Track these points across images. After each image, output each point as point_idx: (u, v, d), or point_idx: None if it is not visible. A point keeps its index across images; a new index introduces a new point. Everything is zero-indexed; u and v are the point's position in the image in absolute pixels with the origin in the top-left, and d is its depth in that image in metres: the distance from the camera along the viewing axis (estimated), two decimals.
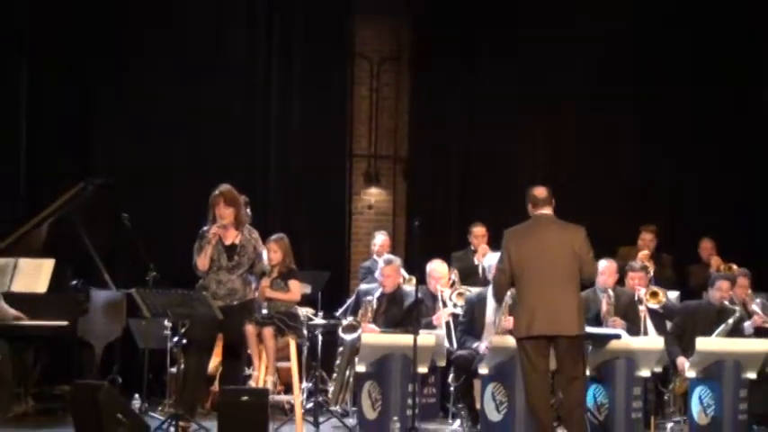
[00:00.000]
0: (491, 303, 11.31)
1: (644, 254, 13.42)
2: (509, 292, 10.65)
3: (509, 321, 10.78)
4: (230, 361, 10.98)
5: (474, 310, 11.46)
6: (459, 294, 12.04)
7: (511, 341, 10.67)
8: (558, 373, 9.91)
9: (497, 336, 10.91)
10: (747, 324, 11.61)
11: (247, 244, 10.67)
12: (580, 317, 9.72)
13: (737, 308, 11.57)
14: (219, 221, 10.56)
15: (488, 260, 11.89)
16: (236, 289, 10.63)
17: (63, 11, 14.16)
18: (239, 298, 10.66)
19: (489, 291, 11.25)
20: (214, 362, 11.46)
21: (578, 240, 9.74)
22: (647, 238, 13.73)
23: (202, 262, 10.54)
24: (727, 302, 11.54)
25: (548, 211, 9.89)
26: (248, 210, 11.70)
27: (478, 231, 13.53)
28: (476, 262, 13.21)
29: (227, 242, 10.65)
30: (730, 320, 11.36)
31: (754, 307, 11.89)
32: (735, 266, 13.16)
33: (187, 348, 10.67)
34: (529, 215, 9.99)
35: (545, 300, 9.58)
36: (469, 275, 12.92)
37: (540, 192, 9.93)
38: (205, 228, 10.64)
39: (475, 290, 11.97)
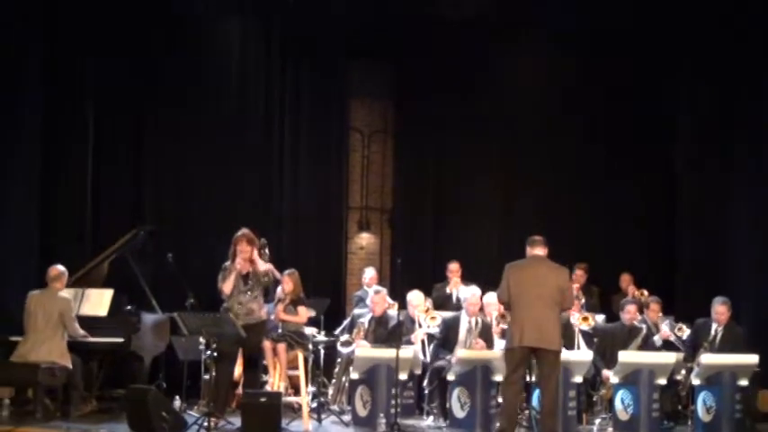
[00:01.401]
0: (464, 326, 11.46)
1: (575, 286, 13.37)
2: (480, 318, 11.20)
3: (478, 343, 10.88)
4: (250, 370, 10.94)
5: (449, 330, 11.54)
6: (432, 318, 12.00)
7: (474, 355, 10.73)
8: (538, 378, 10.06)
9: (463, 350, 10.95)
10: (656, 338, 11.62)
11: (259, 273, 10.77)
12: (560, 336, 9.95)
13: (644, 326, 11.60)
14: (241, 255, 10.57)
15: (463, 292, 11.93)
16: (253, 309, 10.75)
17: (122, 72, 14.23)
18: (256, 318, 10.75)
19: (462, 315, 11.59)
20: (237, 371, 11.42)
21: (563, 278, 10.02)
22: (579, 274, 13.70)
23: (228, 287, 10.61)
24: (635, 322, 11.58)
25: (541, 252, 10.09)
26: (266, 250, 11.69)
27: (453, 267, 13.44)
28: (448, 291, 13.15)
29: (244, 272, 10.75)
30: (638, 338, 11.41)
31: (663, 326, 11.89)
32: (646, 293, 13.16)
33: (217, 359, 10.69)
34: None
35: (534, 319, 9.74)
36: (445, 302, 12.87)
37: (537, 237, 10.15)
38: (227, 263, 10.67)
39: (450, 314, 11.99)
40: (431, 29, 15.05)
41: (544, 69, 15.28)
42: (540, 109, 15.22)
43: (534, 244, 10.10)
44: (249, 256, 10.75)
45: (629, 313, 11.59)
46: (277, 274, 11.63)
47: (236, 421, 10.28)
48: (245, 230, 10.86)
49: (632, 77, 15.03)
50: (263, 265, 10.90)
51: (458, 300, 12.73)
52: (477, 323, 11.45)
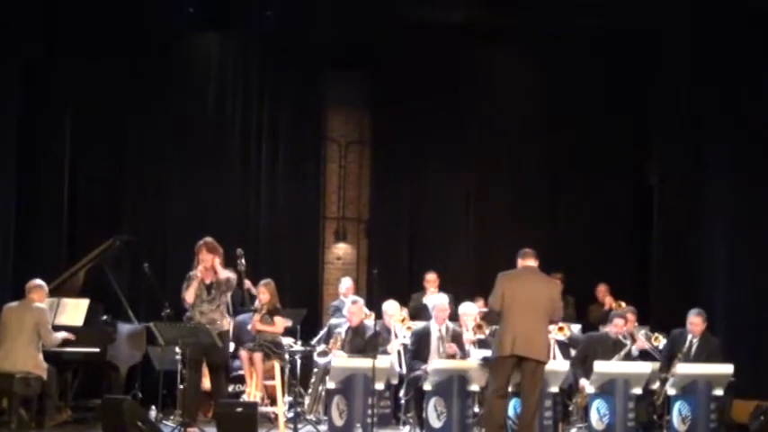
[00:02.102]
0: (434, 334, 11.49)
1: None
2: (450, 325, 11.23)
3: (452, 348, 10.92)
4: (215, 377, 10.85)
5: (420, 341, 11.56)
6: (408, 328, 12.02)
7: (449, 365, 10.76)
8: (522, 388, 10.03)
9: (439, 360, 10.97)
10: (633, 348, 11.64)
11: (221, 281, 10.65)
12: (549, 347, 10.14)
13: (628, 342, 11.61)
14: (203, 264, 10.55)
15: (431, 300, 11.95)
16: (215, 319, 10.65)
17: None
18: (217, 328, 10.65)
19: (432, 323, 11.61)
20: (206, 381, 11.35)
21: (554, 290, 10.17)
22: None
23: (190, 296, 10.54)
24: (621, 336, 11.60)
25: (533, 263, 10.18)
26: (242, 260, 11.69)
27: (430, 277, 13.45)
28: (425, 302, 13.17)
29: (207, 281, 10.66)
30: (622, 352, 11.41)
31: (639, 335, 11.94)
32: (623, 304, 13.19)
33: (184, 367, 10.61)
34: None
35: (525, 329, 9.80)
36: (422, 312, 12.88)
37: (528, 249, 10.25)
38: (191, 273, 10.66)
39: (420, 324, 11.99)
40: (407, 38, 15.07)
41: (520, 79, 15.38)
42: (515, 119, 15.28)
43: (526, 256, 10.20)
44: (210, 264, 10.68)
45: (616, 327, 11.58)
46: (253, 289, 11.66)
47: (212, 431, 10.24)
48: (206, 239, 10.76)
49: (605, 85, 15.14)
50: (224, 273, 10.82)
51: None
52: (447, 329, 11.49)
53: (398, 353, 11.75)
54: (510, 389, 10.16)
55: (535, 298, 9.93)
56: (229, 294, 11.09)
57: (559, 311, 10.22)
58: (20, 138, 13.47)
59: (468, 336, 11.62)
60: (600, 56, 15.01)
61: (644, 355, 11.70)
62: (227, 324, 11.02)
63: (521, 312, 9.85)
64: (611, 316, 11.85)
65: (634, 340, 11.83)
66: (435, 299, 11.96)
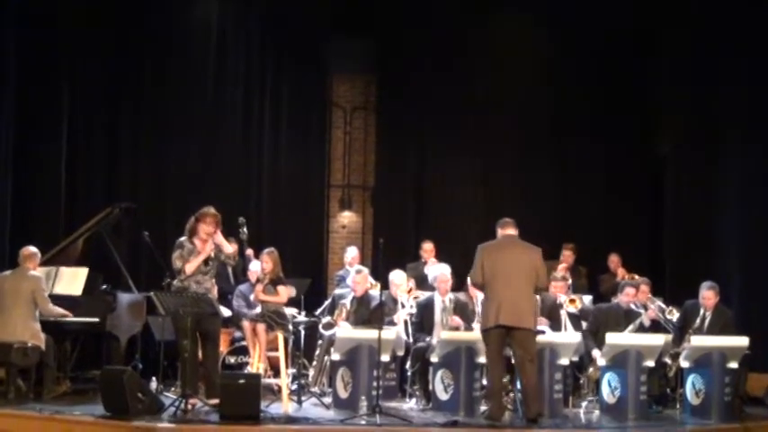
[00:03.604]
0: (438, 306, 11.43)
1: (563, 266, 13.40)
2: (452, 296, 11.30)
3: (454, 320, 10.82)
4: (211, 347, 10.69)
5: (424, 312, 11.50)
6: (416, 297, 11.97)
7: (457, 336, 10.67)
8: (515, 358, 10.08)
9: (446, 332, 10.89)
10: (644, 318, 11.52)
11: (218, 253, 10.53)
12: (535, 314, 10.18)
13: (642, 311, 11.51)
14: (206, 235, 10.40)
15: (432, 271, 11.86)
16: (209, 288, 10.54)
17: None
18: (213, 296, 10.59)
19: (435, 295, 11.54)
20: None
21: (536, 257, 10.18)
22: (566, 254, 13.72)
23: (191, 268, 10.37)
24: (633, 306, 11.51)
25: (512, 231, 10.27)
26: (245, 229, 11.58)
27: (427, 246, 13.46)
28: (425, 272, 13.08)
29: (211, 254, 10.53)
30: (637, 322, 11.33)
31: (653, 307, 11.83)
32: (637, 276, 13.09)
33: (181, 338, 10.47)
34: (491, 236, 10.44)
35: (509, 299, 9.88)
36: (420, 283, 12.80)
37: (507, 219, 10.35)
38: (182, 239, 10.48)
39: (425, 295, 11.91)
40: (413, 2, 14.95)
41: (526, 44, 15.21)
42: (525, 85, 15.13)
43: (505, 225, 10.29)
44: (212, 236, 10.51)
45: (627, 296, 11.50)
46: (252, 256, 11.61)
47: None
48: (211, 210, 10.52)
49: (613, 53, 14.97)
50: (228, 247, 10.68)
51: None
52: (450, 301, 11.42)
53: (405, 323, 11.66)
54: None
55: (517, 267, 10.00)
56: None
57: (543, 278, 10.25)
58: (17, 108, 13.47)
59: (474, 305, 11.52)
60: (605, 20, 14.80)
61: (655, 327, 11.59)
62: (216, 293, 10.92)
63: (503, 282, 9.93)
64: (622, 285, 11.78)
65: (646, 309, 11.72)
66: (436, 269, 11.87)
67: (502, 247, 10.18)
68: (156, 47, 14.55)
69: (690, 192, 14.33)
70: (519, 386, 10.25)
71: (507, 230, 10.24)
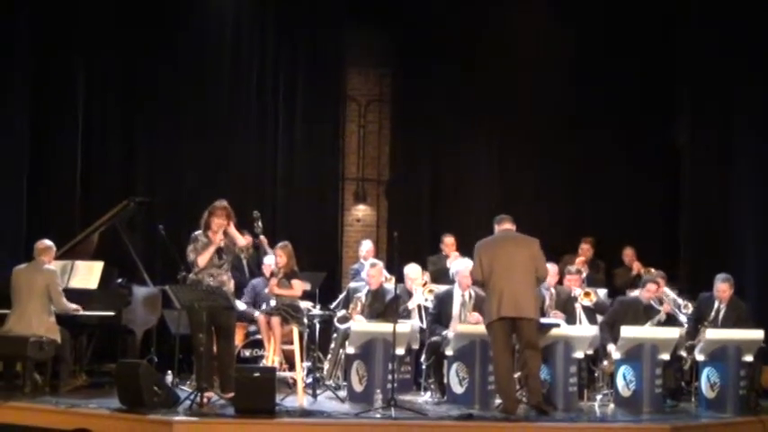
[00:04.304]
0: (457, 300, 11.42)
1: (580, 260, 13.41)
2: (473, 292, 11.25)
3: (474, 316, 10.87)
4: (225, 342, 10.77)
5: (442, 305, 11.49)
6: (430, 291, 11.99)
7: (472, 330, 10.72)
8: (519, 348, 10.18)
9: (462, 325, 10.94)
10: (661, 312, 11.54)
11: (230, 246, 10.59)
12: (536, 304, 10.26)
13: (661, 308, 11.51)
14: (218, 228, 10.47)
15: (454, 266, 11.89)
16: (224, 281, 10.54)
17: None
18: (228, 290, 10.56)
19: (455, 288, 11.48)
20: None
21: (534, 248, 10.26)
22: (585, 248, 13.74)
23: (203, 261, 10.45)
24: (653, 302, 11.51)
25: (509, 226, 10.40)
26: (259, 222, 11.64)
27: (449, 240, 13.49)
28: (447, 265, 13.11)
29: (222, 245, 10.58)
30: (655, 319, 11.33)
31: (668, 300, 11.85)
32: (653, 270, 13.10)
33: (195, 332, 10.52)
34: (492, 231, 10.51)
35: (509, 291, 9.98)
36: (441, 276, 12.83)
37: (504, 215, 10.52)
38: (197, 233, 10.56)
39: (443, 287, 11.94)
40: None
41: (546, 36, 15.16)
42: (542, 77, 15.09)
43: (502, 221, 10.46)
44: (225, 228, 10.59)
45: (649, 292, 11.46)
46: (267, 248, 11.66)
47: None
48: (224, 203, 10.60)
49: (632, 42, 14.94)
50: (241, 239, 10.76)
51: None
52: (470, 296, 11.41)
53: (418, 309, 11.70)
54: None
55: (515, 259, 10.12)
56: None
57: (543, 268, 10.31)
58: (32, 102, 13.55)
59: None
60: (626, 12, 14.81)
61: (670, 320, 11.61)
62: (233, 286, 10.99)
63: (502, 276, 10.04)
64: (644, 281, 11.73)
65: (662, 304, 11.74)
66: (459, 264, 11.88)
67: (498, 242, 10.30)
68: (172, 40, 14.56)
69: (706, 183, 14.28)
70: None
71: (504, 225, 10.40)
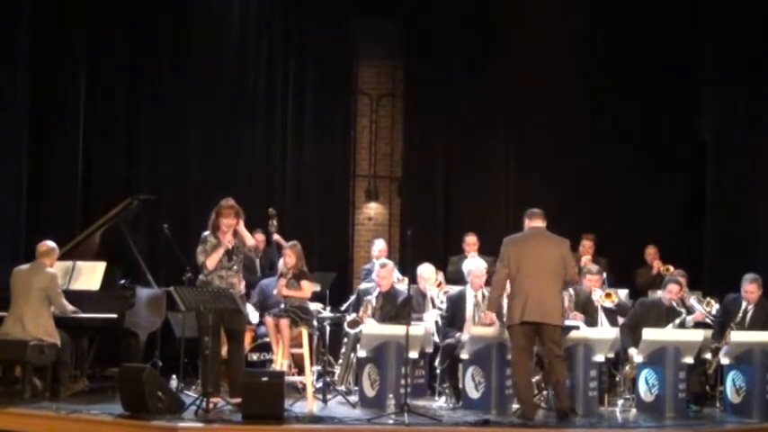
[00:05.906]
0: (470, 301, 11.35)
1: (586, 258, 13.32)
2: (486, 292, 11.09)
3: (488, 316, 10.72)
4: (235, 346, 10.73)
5: (455, 307, 11.43)
6: (445, 292, 11.94)
7: (487, 332, 10.62)
8: (544, 355, 10.07)
9: (477, 327, 10.85)
10: (689, 318, 11.44)
11: (240, 246, 10.52)
12: (562, 310, 10.13)
13: (683, 311, 11.42)
14: (227, 228, 10.40)
15: (466, 265, 11.81)
16: (234, 283, 10.48)
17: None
18: (236, 293, 10.48)
19: (467, 289, 11.41)
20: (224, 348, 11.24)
21: (564, 250, 10.14)
22: (587, 245, 13.63)
23: (213, 263, 10.39)
24: (675, 303, 11.41)
25: (540, 224, 10.22)
26: (275, 221, 11.57)
27: (470, 240, 13.39)
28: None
29: (231, 246, 10.50)
30: (677, 321, 11.23)
31: (692, 302, 11.75)
32: (672, 268, 13.03)
33: (202, 335, 10.46)
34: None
35: (535, 294, 9.85)
36: (462, 277, 12.74)
37: (535, 210, 10.28)
38: (206, 234, 10.50)
39: (456, 288, 11.85)
40: None
41: (560, 29, 15.09)
42: (555, 71, 15.02)
43: (533, 216, 10.24)
44: (234, 228, 10.52)
45: (670, 293, 11.38)
46: (283, 242, 11.62)
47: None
48: (231, 202, 10.58)
49: (655, 34, 14.88)
50: (251, 239, 10.69)
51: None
52: (483, 297, 11.30)
53: (436, 323, 11.65)
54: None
55: (544, 260, 9.98)
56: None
57: (572, 272, 10.20)
58: (32, 96, 13.55)
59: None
60: (651, 3, 14.72)
61: (696, 325, 11.51)
62: (244, 288, 10.92)
63: (529, 277, 9.92)
64: (666, 281, 11.66)
65: (685, 306, 11.64)
66: (470, 263, 11.80)
67: (528, 239, 10.16)
68: (177, 34, 14.58)
69: (731, 180, 14.25)
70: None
71: (535, 222, 10.20)
